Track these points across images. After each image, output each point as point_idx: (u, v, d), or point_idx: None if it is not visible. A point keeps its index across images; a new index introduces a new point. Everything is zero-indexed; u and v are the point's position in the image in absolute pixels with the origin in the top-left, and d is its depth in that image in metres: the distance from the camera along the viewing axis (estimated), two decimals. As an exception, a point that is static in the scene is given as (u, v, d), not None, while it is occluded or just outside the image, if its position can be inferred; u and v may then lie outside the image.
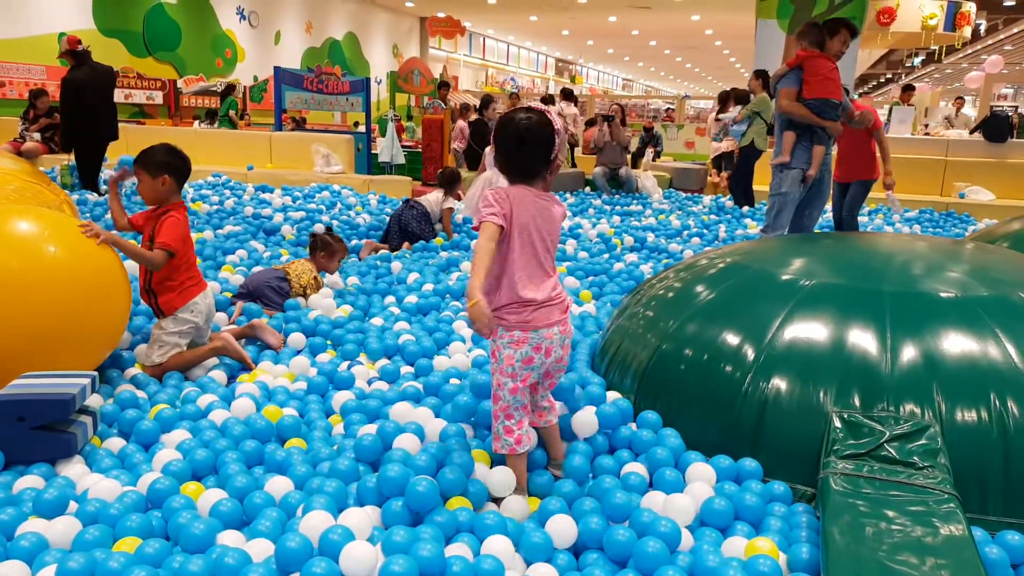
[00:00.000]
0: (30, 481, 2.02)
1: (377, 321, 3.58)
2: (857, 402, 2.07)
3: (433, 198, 5.87)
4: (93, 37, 12.53)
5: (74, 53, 6.81)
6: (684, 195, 9.24)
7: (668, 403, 2.39)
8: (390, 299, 3.98)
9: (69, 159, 7.09)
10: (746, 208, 7.84)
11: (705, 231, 6.47)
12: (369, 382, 2.89)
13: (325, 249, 3.93)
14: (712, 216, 7.51)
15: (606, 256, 5.38)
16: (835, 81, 4.49)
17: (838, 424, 2.03)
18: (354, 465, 2.10)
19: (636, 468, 2.16)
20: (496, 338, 2.00)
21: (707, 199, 8.64)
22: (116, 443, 2.32)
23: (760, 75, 7.81)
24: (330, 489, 1.95)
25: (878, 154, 5.32)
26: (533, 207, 1.99)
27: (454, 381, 2.73)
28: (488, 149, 6.72)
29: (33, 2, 11.94)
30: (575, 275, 4.72)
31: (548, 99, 13.24)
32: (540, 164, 2.01)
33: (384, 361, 3.11)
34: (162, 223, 2.86)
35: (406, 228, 5.60)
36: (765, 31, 9.44)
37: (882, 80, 35.08)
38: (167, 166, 2.88)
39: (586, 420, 2.29)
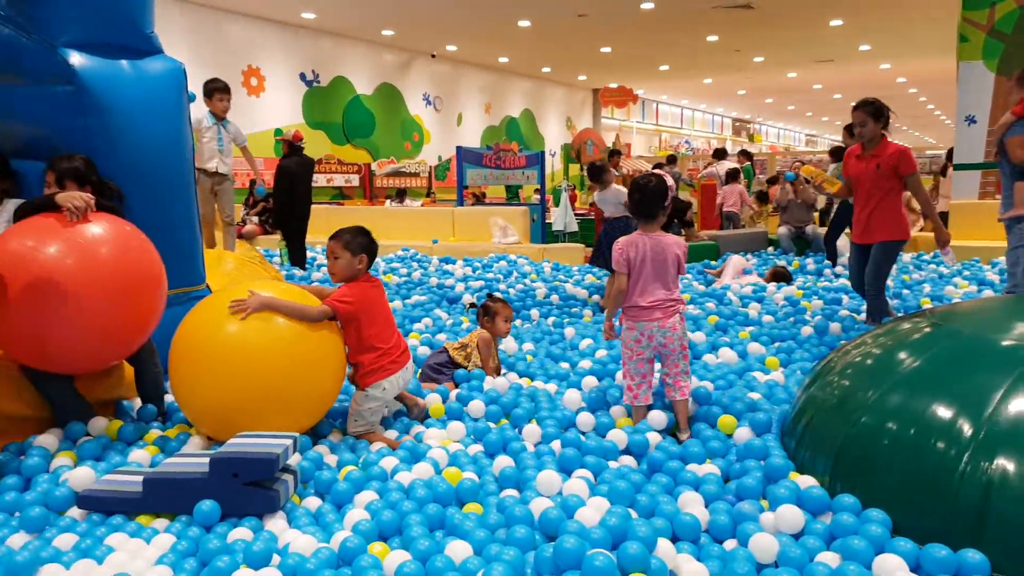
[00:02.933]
0: (241, 533, 2.21)
1: (550, 388, 3.60)
2: (1111, 490, 1.75)
3: (611, 196, 5.78)
4: (302, 130, 14.19)
5: (293, 145, 7.75)
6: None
7: (869, 482, 2.16)
8: (564, 365, 3.99)
9: (280, 240, 7.95)
10: (839, 268, 7.18)
11: (905, 291, 5.91)
12: (536, 445, 2.90)
13: (487, 314, 4.02)
14: (917, 274, 6.87)
15: (793, 320, 5.07)
16: None
17: (1087, 516, 1.73)
18: (531, 533, 2.10)
19: (832, 554, 1.96)
20: (623, 324, 3.05)
21: (906, 255, 7.91)
22: (312, 502, 2.49)
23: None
24: (508, 557, 1.95)
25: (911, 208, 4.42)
26: (645, 245, 2.98)
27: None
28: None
29: (257, 104, 13.85)
30: (759, 340, 4.48)
31: (719, 152, 12.96)
32: (656, 209, 3.04)
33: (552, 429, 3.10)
34: (344, 287, 3.05)
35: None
36: (970, 74, 8.61)
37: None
38: (366, 248, 3.11)
39: (792, 518, 2.14)
